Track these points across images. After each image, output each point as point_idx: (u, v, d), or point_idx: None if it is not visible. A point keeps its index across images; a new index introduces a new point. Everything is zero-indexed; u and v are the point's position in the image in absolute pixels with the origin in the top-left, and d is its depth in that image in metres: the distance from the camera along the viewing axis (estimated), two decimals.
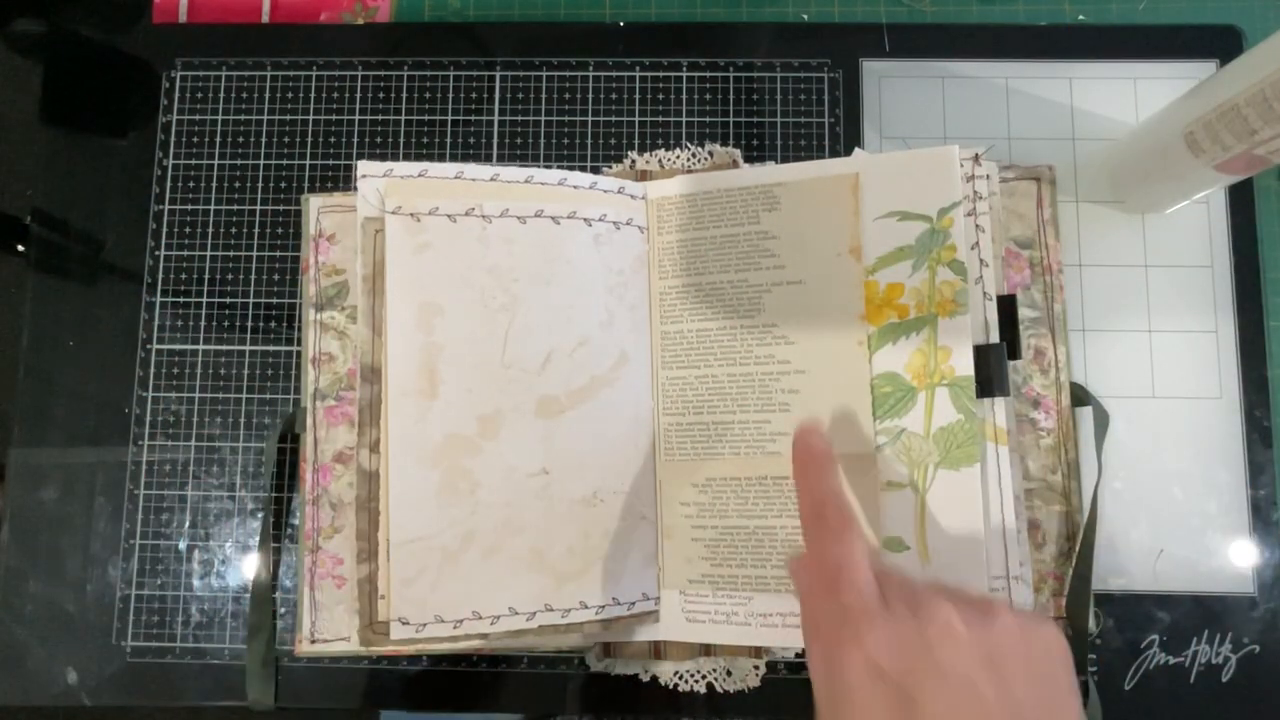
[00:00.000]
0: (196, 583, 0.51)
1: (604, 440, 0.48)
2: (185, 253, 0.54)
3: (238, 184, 0.54)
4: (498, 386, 0.47)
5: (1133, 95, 0.53)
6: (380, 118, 0.54)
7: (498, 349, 0.48)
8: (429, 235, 0.47)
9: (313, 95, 0.55)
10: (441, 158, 0.54)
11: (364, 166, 0.48)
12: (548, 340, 0.48)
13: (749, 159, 0.53)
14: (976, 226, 0.47)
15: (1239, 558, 0.49)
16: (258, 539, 0.50)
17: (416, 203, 0.48)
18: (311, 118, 0.54)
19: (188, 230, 0.54)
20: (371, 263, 0.48)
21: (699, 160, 0.53)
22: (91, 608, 0.51)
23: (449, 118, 0.54)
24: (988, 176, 0.48)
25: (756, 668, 0.49)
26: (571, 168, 0.53)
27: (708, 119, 0.54)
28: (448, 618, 0.45)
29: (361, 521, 0.47)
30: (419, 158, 0.54)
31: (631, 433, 0.49)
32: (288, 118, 0.55)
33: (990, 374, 0.46)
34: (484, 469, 0.47)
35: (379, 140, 0.54)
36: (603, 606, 0.47)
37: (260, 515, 0.51)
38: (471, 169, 0.49)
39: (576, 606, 0.47)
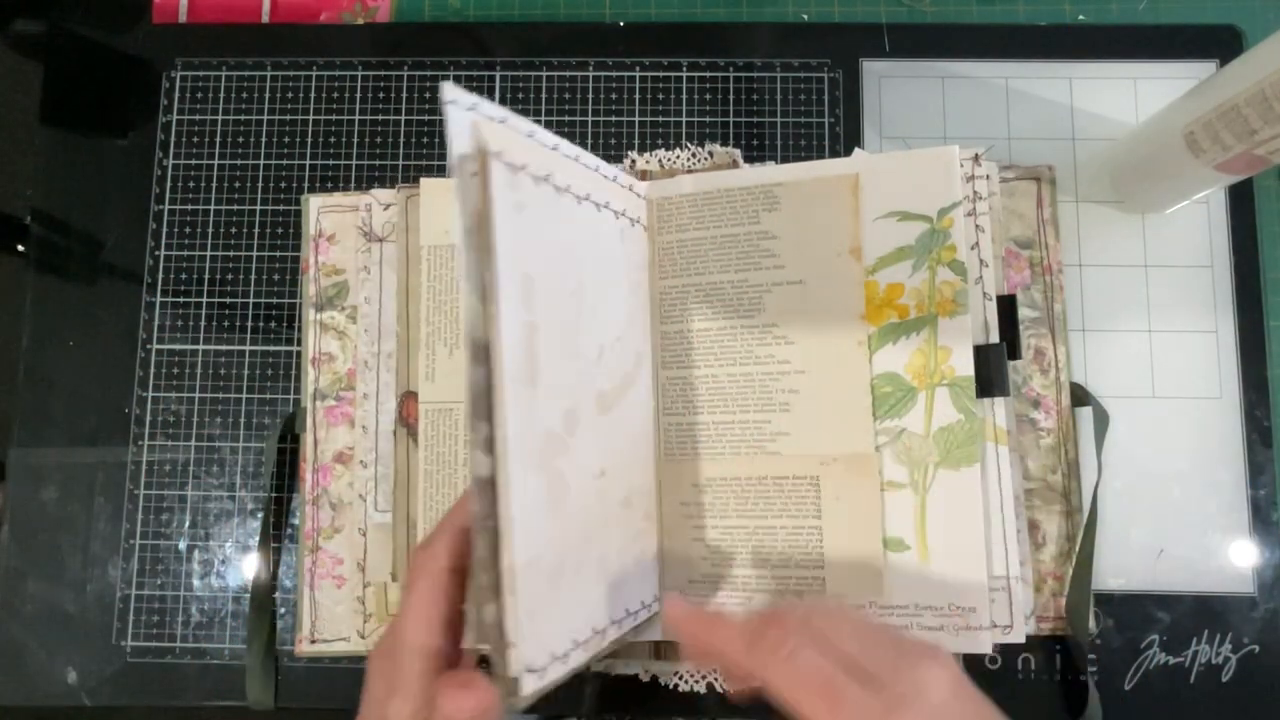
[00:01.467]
0: (196, 583, 0.51)
1: (633, 439, 0.47)
2: (185, 253, 0.54)
3: (238, 184, 0.54)
4: (574, 376, 0.41)
5: (1133, 95, 0.53)
6: (380, 118, 0.54)
7: (573, 335, 0.41)
8: (523, 194, 0.39)
9: (313, 95, 0.55)
10: (441, 158, 0.54)
11: (450, 91, 0.36)
12: (600, 330, 0.44)
13: (749, 159, 0.53)
14: (976, 226, 0.47)
15: (1239, 558, 0.49)
16: (258, 539, 0.50)
17: (513, 153, 0.38)
18: (311, 118, 0.54)
19: (188, 230, 0.54)
20: (474, 213, 0.37)
21: (699, 160, 0.53)
22: (91, 608, 0.51)
23: None
24: (988, 176, 0.48)
25: None
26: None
27: (708, 119, 0.54)
28: (559, 652, 0.37)
29: (480, 547, 0.35)
30: (419, 158, 0.54)
31: (644, 432, 0.49)
32: (288, 118, 0.55)
33: (990, 374, 0.46)
34: (572, 471, 0.40)
35: (379, 140, 0.54)
36: (636, 611, 0.45)
37: (260, 515, 0.51)
38: (541, 133, 0.42)
39: (625, 615, 0.43)
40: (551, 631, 0.37)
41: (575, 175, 0.43)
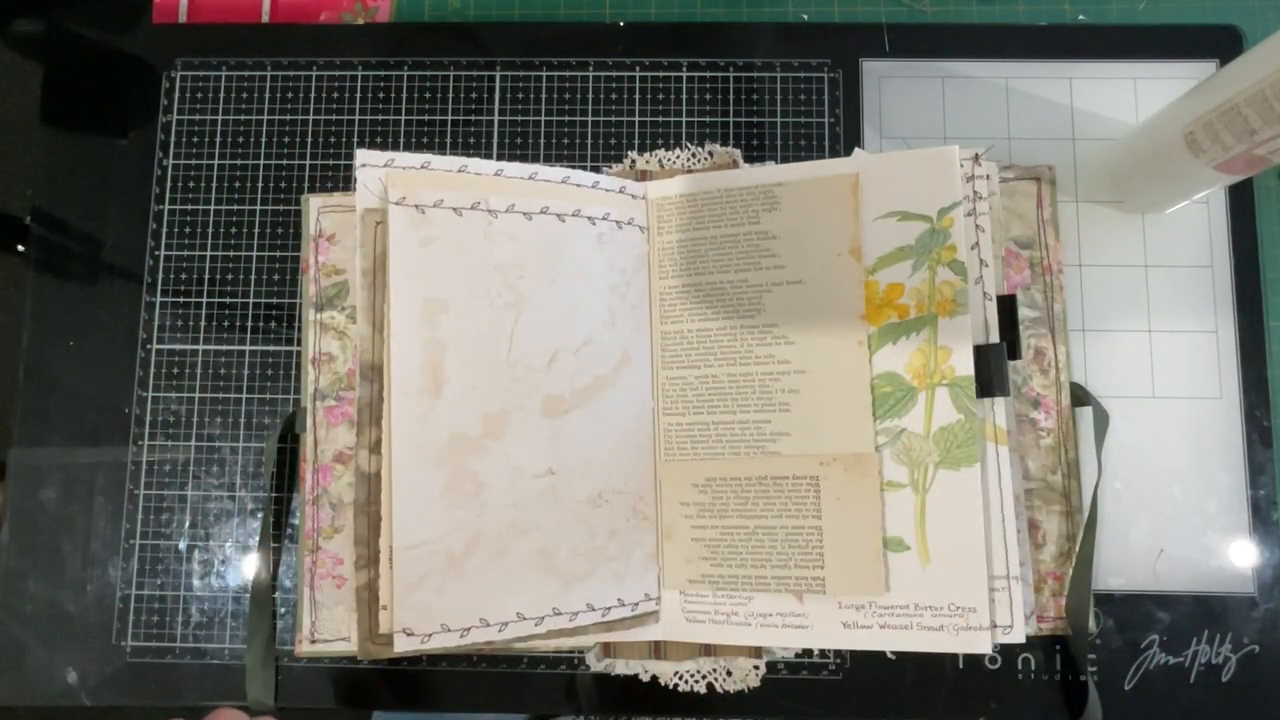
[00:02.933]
0: (196, 583, 0.51)
1: (608, 440, 0.48)
2: (185, 253, 0.54)
3: (238, 184, 0.54)
4: (503, 385, 0.47)
5: (1133, 95, 0.53)
6: (380, 118, 0.54)
7: (503, 347, 0.47)
8: (434, 229, 0.47)
9: (313, 95, 0.55)
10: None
11: (364, 155, 0.48)
12: (553, 339, 0.48)
13: (749, 159, 0.53)
14: (976, 226, 0.47)
15: (1239, 558, 0.49)
16: (258, 539, 0.50)
17: (421, 194, 0.47)
18: (311, 118, 0.54)
19: (188, 230, 0.54)
20: (372, 256, 0.47)
21: (699, 160, 0.53)
22: (91, 608, 0.51)
23: (449, 118, 0.54)
24: (988, 176, 0.48)
25: (756, 668, 0.49)
26: (572, 167, 0.53)
27: (708, 119, 0.54)
28: (454, 626, 0.45)
29: (360, 526, 0.46)
30: None
31: (633, 432, 0.49)
32: (288, 118, 0.55)
33: (990, 374, 0.46)
34: (490, 470, 0.46)
35: (379, 140, 0.54)
36: (609, 608, 0.47)
37: (260, 515, 0.51)
38: (475, 163, 0.49)
39: (583, 609, 0.46)
40: (444, 606, 0.45)
41: (524, 193, 0.49)
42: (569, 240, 0.48)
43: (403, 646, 0.44)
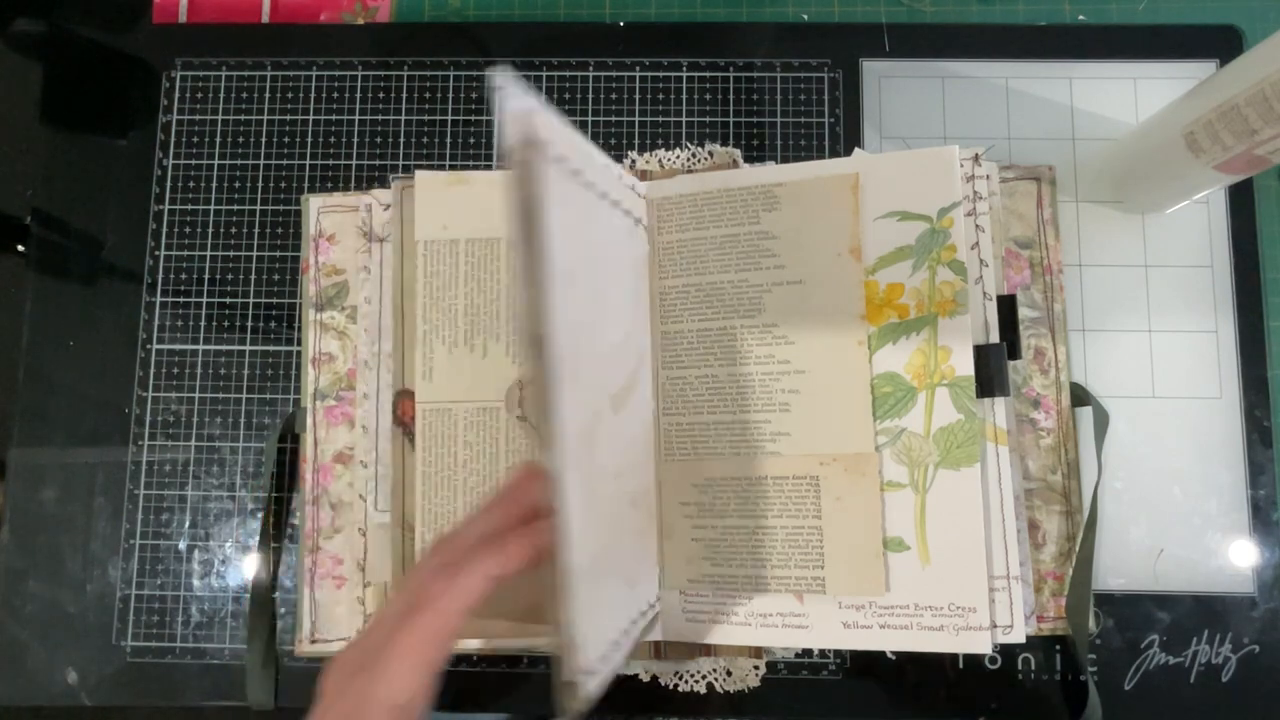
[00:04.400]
0: (196, 583, 0.51)
1: (637, 439, 0.47)
2: (185, 253, 0.54)
3: (238, 184, 0.54)
4: (599, 376, 0.40)
5: (1133, 95, 0.53)
6: (380, 118, 0.54)
7: (598, 333, 0.40)
8: (564, 187, 0.37)
9: (313, 95, 0.55)
10: (442, 158, 0.54)
11: (499, 77, 0.33)
12: (613, 330, 0.43)
13: (749, 159, 0.53)
14: (976, 226, 0.47)
15: (1239, 558, 0.49)
16: (258, 539, 0.50)
17: (558, 145, 0.36)
18: (311, 118, 0.54)
19: (188, 230, 0.54)
20: (523, 200, 0.33)
21: (699, 160, 0.53)
22: (91, 608, 0.51)
23: (449, 118, 0.54)
24: (988, 176, 0.48)
25: (756, 668, 0.49)
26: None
27: (708, 119, 0.54)
28: (601, 654, 0.38)
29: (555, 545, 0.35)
30: (419, 158, 0.54)
31: (646, 432, 0.49)
32: (288, 118, 0.55)
33: (990, 374, 0.46)
34: (598, 471, 0.40)
35: (379, 140, 0.54)
36: (645, 612, 0.45)
37: (260, 515, 0.51)
38: (567, 127, 0.39)
39: (638, 616, 0.44)
40: (596, 634, 0.37)
41: (597, 171, 0.41)
42: (616, 229, 0.45)
43: (591, 690, 0.37)
